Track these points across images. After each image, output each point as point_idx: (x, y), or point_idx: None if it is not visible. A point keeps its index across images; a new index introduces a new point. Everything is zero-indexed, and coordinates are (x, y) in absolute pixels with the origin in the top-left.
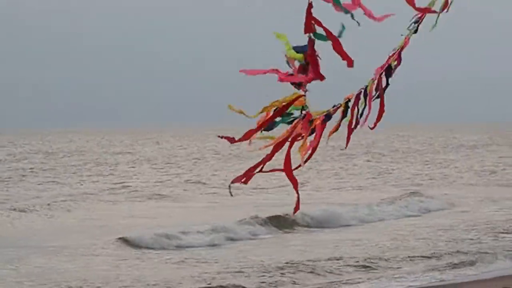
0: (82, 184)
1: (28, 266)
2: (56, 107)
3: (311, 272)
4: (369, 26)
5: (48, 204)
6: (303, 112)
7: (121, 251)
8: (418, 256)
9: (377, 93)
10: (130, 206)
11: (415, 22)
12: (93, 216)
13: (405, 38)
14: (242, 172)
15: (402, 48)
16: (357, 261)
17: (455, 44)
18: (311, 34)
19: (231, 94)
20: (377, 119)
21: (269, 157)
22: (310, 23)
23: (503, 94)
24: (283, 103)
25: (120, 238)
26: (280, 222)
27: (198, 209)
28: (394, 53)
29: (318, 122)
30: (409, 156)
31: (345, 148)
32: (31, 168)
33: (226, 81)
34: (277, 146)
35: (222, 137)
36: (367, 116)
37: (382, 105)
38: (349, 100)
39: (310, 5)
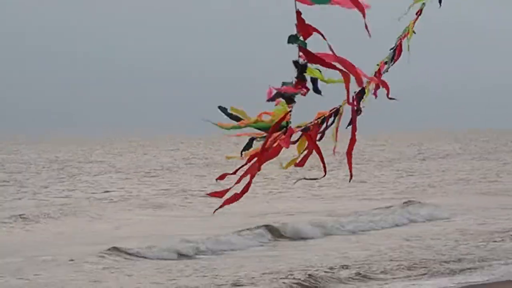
0: (52, 194)
1: (9, 275)
2: (24, 114)
3: (291, 283)
4: (361, 39)
5: (25, 216)
6: (286, 127)
7: (104, 261)
8: (400, 265)
9: (350, 121)
10: (111, 216)
11: (391, 49)
12: (74, 227)
13: (381, 63)
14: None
15: (378, 72)
16: (350, 271)
17: (447, 51)
18: (300, 42)
19: (213, 101)
20: (348, 150)
21: (251, 172)
22: (306, 29)
23: (495, 102)
24: (272, 119)
25: (107, 248)
26: (264, 233)
27: (181, 218)
28: (371, 77)
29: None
30: (382, 165)
31: (321, 178)
32: (4, 180)
33: (213, 86)
34: (256, 160)
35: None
36: (334, 147)
37: (353, 134)
38: (324, 117)
39: (298, 13)
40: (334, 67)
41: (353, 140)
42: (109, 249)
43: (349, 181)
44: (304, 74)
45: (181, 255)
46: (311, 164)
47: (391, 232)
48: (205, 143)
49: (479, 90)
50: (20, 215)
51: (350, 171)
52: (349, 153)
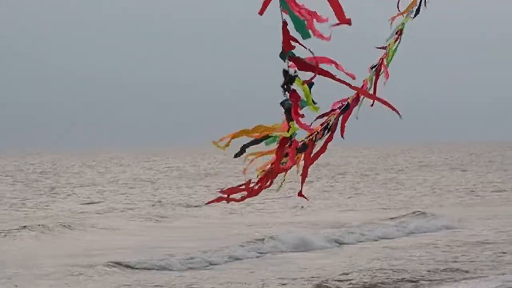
0: (29, 207)
1: None
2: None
3: None
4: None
5: (14, 229)
6: (291, 139)
7: (95, 273)
8: (381, 277)
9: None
10: (91, 228)
11: (373, 67)
12: (55, 239)
13: (364, 81)
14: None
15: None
16: (341, 283)
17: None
18: (289, 53)
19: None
20: (311, 161)
21: (262, 185)
22: (289, 41)
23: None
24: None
25: (89, 261)
26: (254, 246)
27: (161, 229)
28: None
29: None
30: (359, 176)
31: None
32: None
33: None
34: (267, 174)
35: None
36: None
37: (325, 145)
38: (317, 133)
39: (284, 23)
40: (327, 74)
41: (322, 150)
42: (102, 262)
43: (297, 195)
44: (290, 85)
45: (180, 268)
46: (288, 177)
47: (373, 244)
48: (181, 155)
49: (468, 102)
50: (23, 226)
51: (301, 185)
52: (306, 167)
